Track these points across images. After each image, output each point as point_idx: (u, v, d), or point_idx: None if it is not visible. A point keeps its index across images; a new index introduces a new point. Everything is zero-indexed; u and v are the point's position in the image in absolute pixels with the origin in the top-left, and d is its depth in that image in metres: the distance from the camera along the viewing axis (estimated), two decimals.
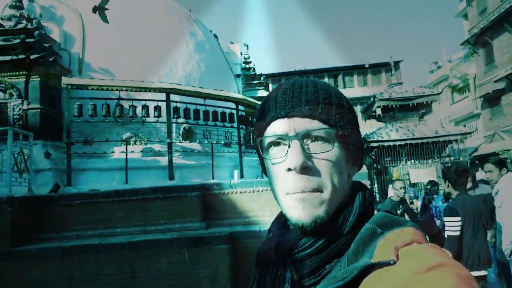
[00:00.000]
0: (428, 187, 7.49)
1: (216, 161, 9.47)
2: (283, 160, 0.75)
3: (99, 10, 9.06)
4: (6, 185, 6.09)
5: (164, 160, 9.06)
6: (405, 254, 0.64)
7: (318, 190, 0.73)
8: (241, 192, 6.66)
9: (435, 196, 7.32)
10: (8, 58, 8.51)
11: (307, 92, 0.78)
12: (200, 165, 9.65)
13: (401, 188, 6.29)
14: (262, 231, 5.93)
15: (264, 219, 6.41)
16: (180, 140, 9.68)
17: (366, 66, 39.23)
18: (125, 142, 8.79)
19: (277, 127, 0.77)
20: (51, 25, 10.21)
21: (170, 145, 8.86)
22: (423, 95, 19.74)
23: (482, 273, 3.79)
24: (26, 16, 9.42)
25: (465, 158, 19.26)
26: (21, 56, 8.52)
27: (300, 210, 0.73)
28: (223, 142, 10.06)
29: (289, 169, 0.73)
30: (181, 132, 9.99)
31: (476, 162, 21.48)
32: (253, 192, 6.71)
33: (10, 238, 5.63)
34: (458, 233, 3.72)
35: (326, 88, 0.81)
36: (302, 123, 0.75)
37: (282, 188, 0.76)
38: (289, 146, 0.74)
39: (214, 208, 6.53)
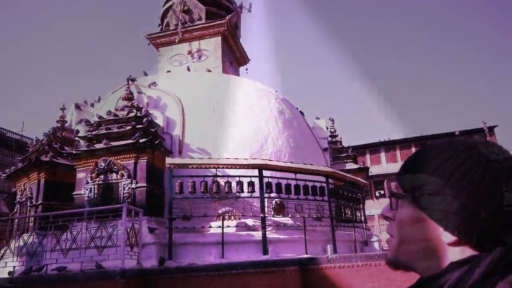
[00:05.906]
0: None
1: (308, 235, 9.39)
2: None
3: None
4: (119, 258, 6.59)
5: (257, 235, 9.21)
6: None
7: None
8: (339, 267, 6.47)
9: None
10: (122, 143, 9.64)
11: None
12: (292, 239, 9.61)
13: None
14: None
15: None
16: (272, 215, 9.82)
17: (456, 133, 37.28)
18: (221, 217, 9.16)
19: None
20: (156, 112, 11.45)
21: (263, 220, 9.04)
22: None
23: None
24: (136, 105, 10.73)
25: None
26: (131, 141, 9.60)
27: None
28: (314, 216, 10.01)
29: None
30: (273, 206, 10.17)
31: None
32: (352, 267, 6.48)
33: None
34: None
35: (414, 154, 0.86)
36: None
37: None
38: None
39: (312, 283, 6.38)
